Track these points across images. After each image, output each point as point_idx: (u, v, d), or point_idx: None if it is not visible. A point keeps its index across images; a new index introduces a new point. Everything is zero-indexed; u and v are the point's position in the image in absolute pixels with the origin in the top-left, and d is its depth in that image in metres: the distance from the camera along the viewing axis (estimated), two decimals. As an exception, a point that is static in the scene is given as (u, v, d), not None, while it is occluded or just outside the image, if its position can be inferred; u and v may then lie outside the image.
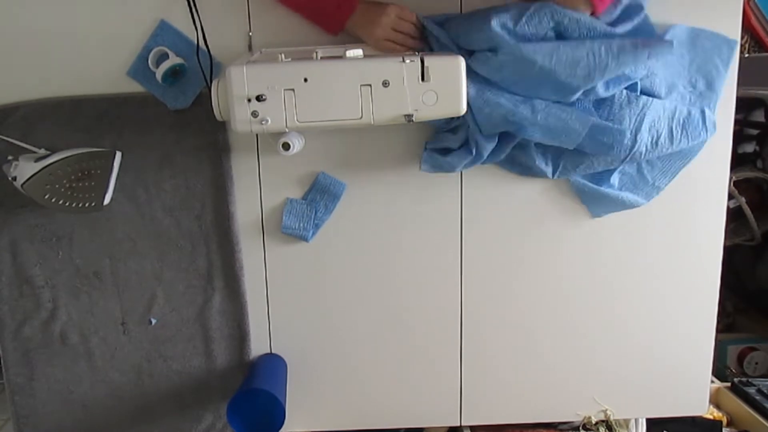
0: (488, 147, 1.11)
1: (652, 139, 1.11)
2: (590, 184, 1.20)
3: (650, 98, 1.10)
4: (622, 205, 1.20)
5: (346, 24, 1.08)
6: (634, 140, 1.10)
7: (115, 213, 1.20)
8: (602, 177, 1.20)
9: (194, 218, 1.22)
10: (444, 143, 1.15)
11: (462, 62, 0.97)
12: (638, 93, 1.10)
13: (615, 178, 1.20)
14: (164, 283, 1.24)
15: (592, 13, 1.04)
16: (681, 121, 1.12)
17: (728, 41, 1.16)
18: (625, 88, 1.09)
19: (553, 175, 1.18)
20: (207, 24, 1.11)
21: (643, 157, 1.12)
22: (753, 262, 1.91)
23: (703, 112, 1.14)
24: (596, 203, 1.22)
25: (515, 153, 1.16)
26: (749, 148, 1.89)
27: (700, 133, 1.13)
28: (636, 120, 1.09)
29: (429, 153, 1.15)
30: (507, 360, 1.31)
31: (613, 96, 1.09)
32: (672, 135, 1.12)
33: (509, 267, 1.27)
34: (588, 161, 1.15)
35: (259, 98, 0.95)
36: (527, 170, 1.20)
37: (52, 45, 1.14)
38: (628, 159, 1.12)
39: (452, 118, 1.12)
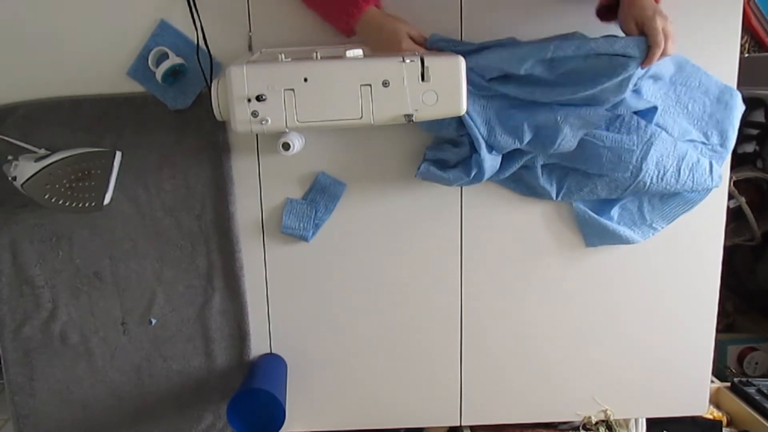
0: (490, 169, 1.11)
1: (659, 173, 1.12)
2: (590, 213, 1.20)
3: (659, 129, 1.10)
4: (618, 239, 1.21)
5: (355, 29, 1.08)
6: (640, 168, 1.10)
7: (115, 213, 1.20)
8: (603, 209, 1.21)
9: (194, 218, 1.22)
10: (443, 155, 1.15)
11: (462, 62, 0.97)
12: (649, 123, 1.11)
13: (615, 212, 1.21)
14: (164, 283, 1.24)
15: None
16: (690, 165, 1.13)
17: (741, 105, 1.18)
18: (636, 114, 1.10)
19: (556, 196, 1.19)
20: (207, 24, 1.11)
21: (646, 188, 1.13)
22: (753, 262, 1.91)
23: (711, 164, 1.15)
24: (593, 233, 1.22)
25: (520, 172, 1.16)
26: (749, 148, 1.88)
27: (706, 180, 1.14)
28: (643, 148, 1.10)
29: (427, 165, 1.14)
30: (507, 360, 1.31)
31: (623, 119, 1.10)
32: (679, 174, 1.13)
33: (509, 267, 1.27)
34: (592, 184, 1.15)
35: (259, 98, 0.95)
36: (531, 190, 1.21)
37: (52, 45, 1.14)
38: (632, 187, 1.13)
39: (459, 129, 1.13)
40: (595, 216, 1.20)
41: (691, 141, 1.15)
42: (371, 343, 1.30)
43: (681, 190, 1.16)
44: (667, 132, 1.12)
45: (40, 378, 1.26)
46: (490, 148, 1.11)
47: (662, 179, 1.12)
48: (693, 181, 1.14)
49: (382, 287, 1.27)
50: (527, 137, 1.09)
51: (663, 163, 1.11)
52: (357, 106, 0.97)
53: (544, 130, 1.08)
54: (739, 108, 1.18)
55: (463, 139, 1.13)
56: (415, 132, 1.19)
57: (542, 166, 1.17)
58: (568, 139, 1.08)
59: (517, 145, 1.09)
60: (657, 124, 1.12)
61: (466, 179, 1.12)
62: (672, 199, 1.20)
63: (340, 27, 1.10)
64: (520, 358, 1.31)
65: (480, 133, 1.09)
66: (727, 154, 1.19)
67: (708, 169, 1.14)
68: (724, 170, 1.19)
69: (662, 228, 1.23)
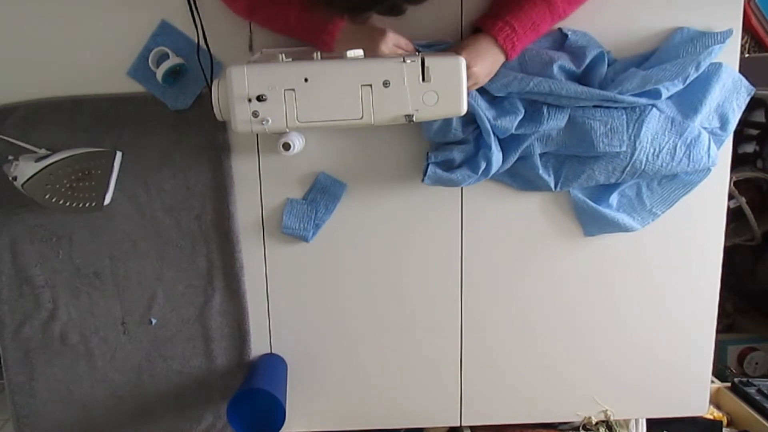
0: (497, 162, 1.11)
1: (654, 151, 1.11)
2: (589, 201, 1.20)
3: (649, 106, 1.10)
4: (617, 227, 1.20)
5: (334, 47, 1.06)
6: (634, 147, 1.10)
7: (115, 213, 1.20)
8: (601, 196, 1.21)
9: (194, 218, 1.22)
10: (448, 155, 1.14)
11: (462, 62, 0.97)
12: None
13: (614, 199, 1.21)
14: (164, 283, 1.24)
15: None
16: (688, 140, 1.12)
17: (747, 87, 1.17)
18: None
19: (555, 186, 1.18)
20: (207, 24, 1.11)
21: (643, 167, 1.13)
22: (753, 262, 1.91)
23: (709, 141, 1.14)
24: (591, 221, 1.22)
25: (517, 165, 1.16)
26: (749, 148, 1.89)
27: (702, 158, 1.14)
28: (634, 125, 1.10)
29: (433, 168, 1.14)
30: (507, 360, 1.31)
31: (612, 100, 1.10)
32: (675, 152, 1.12)
33: (509, 266, 1.27)
34: (589, 170, 1.15)
35: (259, 98, 0.95)
36: (529, 184, 1.20)
37: (52, 45, 1.14)
38: (628, 168, 1.13)
39: (464, 131, 1.12)
40: (593, 204, 1.19)
41: (691, 121, 1.14)
42: (371, 343, 1.30)
43: (678, 171, 1.15)
44: (658, 109, 1.11)
45: (40, 378, 1.27)
46: (496, 137, 1.11)
47: (658, 157, 1.12)
48: (689, 159, 1.13)
49: (382, 287, 1.27)
50: (522, 110, 1.10)
51: (658, 141, 1.11)
52: (357, 106, 0.97)
53: (532, 104, 1.11)
54: (741, 90, 1.16)
55: (468, 137, 1.13)
56: (415, 132, 1.19)
57: (540, 156, 1.16)
58: (555, 112, 1.10)
59: (518, 119, 1.09)
60: (654, 106, 1.11)
61: (474, 176, 1.12)
62: (671, 183, 1.20)
63: (319, 45, 1.06)
64: (520, 358, 1.31)
65: (488, 121, 1.09)
66: (726, 138, 1.18)
67: (707, 145, 1.13)
68: (722, 152, 1.19)
69: (662, 213, 1.22)
